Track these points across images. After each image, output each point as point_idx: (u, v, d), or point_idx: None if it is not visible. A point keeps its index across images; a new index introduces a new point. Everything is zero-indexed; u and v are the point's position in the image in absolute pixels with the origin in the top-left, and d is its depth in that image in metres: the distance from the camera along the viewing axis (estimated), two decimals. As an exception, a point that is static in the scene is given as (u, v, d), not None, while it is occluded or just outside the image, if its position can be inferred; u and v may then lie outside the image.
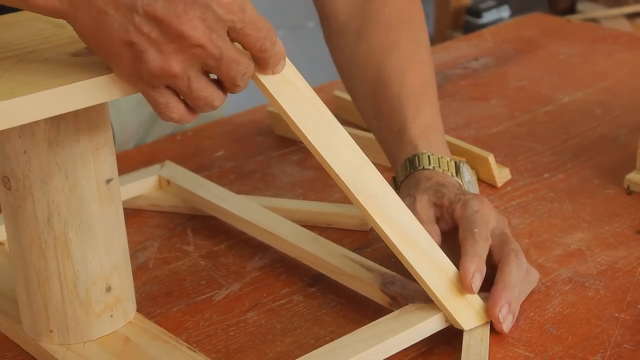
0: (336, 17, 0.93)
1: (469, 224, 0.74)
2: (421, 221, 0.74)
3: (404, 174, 0.83)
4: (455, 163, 0.83)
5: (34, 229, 0.67)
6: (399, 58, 0.88)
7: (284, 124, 0.97)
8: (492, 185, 0.94)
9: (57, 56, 0.62)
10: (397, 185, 0.84)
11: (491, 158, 0.94)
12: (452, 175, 0.81)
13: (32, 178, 0.65)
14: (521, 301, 0.73)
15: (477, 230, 0.73)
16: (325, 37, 0.95)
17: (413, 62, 0.88)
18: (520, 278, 0.72)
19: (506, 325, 0.71)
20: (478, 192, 0.86)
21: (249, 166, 1.02)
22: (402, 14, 0.91)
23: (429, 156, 0.82)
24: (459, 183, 0.82)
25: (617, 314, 0.74)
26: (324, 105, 0.67)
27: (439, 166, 0.81)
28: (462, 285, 0.71)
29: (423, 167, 0.81)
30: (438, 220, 0.78)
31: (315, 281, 0.80)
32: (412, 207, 0.77)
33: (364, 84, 0.89)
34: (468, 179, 0.84)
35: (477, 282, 0.70)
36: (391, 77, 0.87)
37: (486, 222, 0.75)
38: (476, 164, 0.95)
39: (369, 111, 0.89)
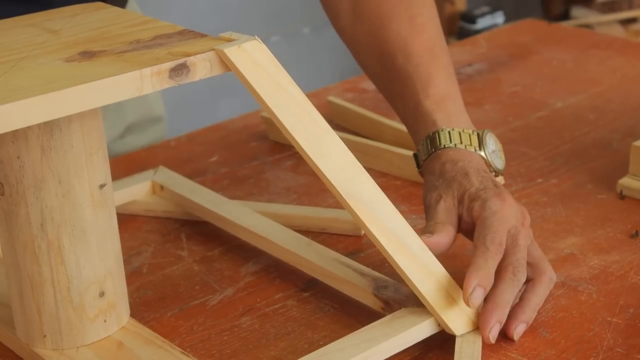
0: (330, 1, 0.90)
1: (483, 228, 0.72)
2: (438, 221, 0.73)
3: (425, 153, 0.80)
4: (478, 135, 0.80)
5: (27, 234, 0.67)
6: (398, 27, 0.84)
7: (277, 129, 0.97)
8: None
9: (50, 62, 0.62)
10: (418, 163, 0.82)
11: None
12: (475, 150, 0.79)
13: (25, 183, 0.65)
14: (537, 309, 0.72)
15: (490, 236, 0.71)
16: (330, 20, 0.92)
17: (414, 27, 0.84)
18: (514, 294, 0.71)
19: (517, 334, 0.70)
20: (503, 161, 0.83)
21: (243, 171, 1.02)
22: None
23: (449, 132, 0.79)
24: (484, 157, 0.79)
25: (609, 318, 0.74)
26: (317, 110, 0.67)
27: (461, 142, 0.79)
28: (463, 297, 0.69)
29: (444, 145, 0.79)
30: (460, 219, 0.75)
31: (308, 286, 0.80)
32: (435, 206, 0.75)
33: (372, 62, 0.87)
34: (492, 149, 0.81)
35: (477, 297, 0.69)
36: (394, 50, 0.83)
37: (503, 225, 0.72)
38: (469, 169, 0.95)
39: (384, 89, 0.87)
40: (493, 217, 0.73)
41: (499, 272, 0.72)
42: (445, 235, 0.73)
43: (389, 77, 0.85)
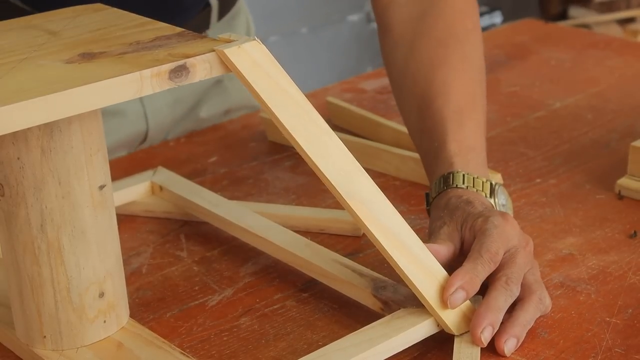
0: (391, 31, 0.92)
1: (482, 237, 0.73)
2: (439, 238, 0.74)
3: (436, 191, 0.81)
4: (491, 184, 0.81)
5: (27, 235, 0.67)
6: (445, 74, 0.87)
7: (276, 129, 0.97)
8: (484, 191, 0.95)
9: (50, 63, 0.62)
10: (428, 201, 0.83)
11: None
12: (486, 197, 0.80)
13: (25, 184, 0.65)
14: (528, 327, 0.72)
15: (487, 245, 0.72)
16: (380, 49, 0.94)
17: (460, 79, 0.87)
18: (507, 303, 0.71)
19: (507, 349, 0.70)
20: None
21: (242, 172, 1.02)
22: (455, 29, 0.89)
23: (463, 175, 0.80)
24: (492, 205, 0.80)
25: (608, 319, 0.74)
26: (316, 111, 0.67)
27: (473, 186, 0.80)
28: (442, 295, 0.70)
29: (456, 185, 0.80)
30: (463, 243, 0.76)
31: (308, 286, 0.80)
32: (438, 230, 0.76)
33: (410, 99, 0.89)
34: (503, 202, 0.82)
35: (458, 298, 0.70)
36: (436, 93, 0.86)
37: (503, 239, 0.73)
38: (468, 170, 0.96)
39: (413, 125, 0.88)
40: (494, 229, 0.73)
41: (492, 282, 0.72)
42: (444, 247, 0.74)
43: (422, 115, 0.87)
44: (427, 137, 0.85)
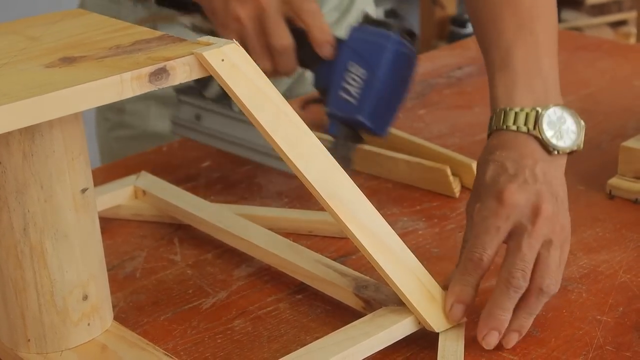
0: None
1: (469, 238, 0.73)
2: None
3: (490, 128, 0.79)
4: (537, 113, 0.76)
5: (10, 239, 0.67)
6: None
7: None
8: (475, 192, 0.94)
9: (31, 68, 0.63)
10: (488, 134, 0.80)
11: (475, 165, 0.94)
12: (529, 131, 0.76)
13: (7, 189, 0.66)
14: (526, 316, 0.71)
15: (469, 249, 0.72)
16: None
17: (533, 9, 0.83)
18: (512, 301, 0.70)
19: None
20: (574, 140, 0.78)
21: (235, 176, 1.02)
22: None
23: (504, 112, 0.77)
24: (539, 138, 0.76)
25: (599, 317, 0.74)
26: (295, 113, 0.67)
27: (514, 123, 0.76)
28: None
29: (495, 127, 0.77)
30: None
31: (301, 289, 0.81)
32: (471, 217, 0.74)
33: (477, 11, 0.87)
34: (550, 134, 0.76)
35: (456, 313, 0.71)
36: (492, 19, 0.84)
37: (491, 233, 0.71)
38: (460, 171, 0.96)
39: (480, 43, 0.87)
40: (482, 223, 0.72)
41: (497, 279, 0.71)
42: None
43: (483, 28, 0.86)
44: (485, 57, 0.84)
